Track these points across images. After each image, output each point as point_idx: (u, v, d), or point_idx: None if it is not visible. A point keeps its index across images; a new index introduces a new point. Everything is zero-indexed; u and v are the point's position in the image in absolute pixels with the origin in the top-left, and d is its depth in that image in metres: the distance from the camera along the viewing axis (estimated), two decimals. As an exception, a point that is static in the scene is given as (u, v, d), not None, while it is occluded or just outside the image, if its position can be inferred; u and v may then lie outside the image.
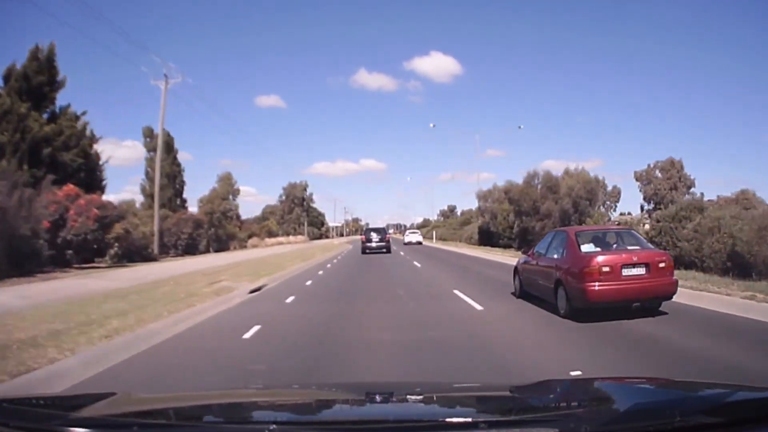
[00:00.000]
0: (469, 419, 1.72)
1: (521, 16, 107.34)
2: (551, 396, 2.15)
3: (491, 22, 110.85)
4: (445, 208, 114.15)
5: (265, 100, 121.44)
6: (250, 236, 57.79)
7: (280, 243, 61.73)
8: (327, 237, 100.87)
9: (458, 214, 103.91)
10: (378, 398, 2.25)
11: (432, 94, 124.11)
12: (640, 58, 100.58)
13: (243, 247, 51.45)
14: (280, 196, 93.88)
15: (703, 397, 1.93)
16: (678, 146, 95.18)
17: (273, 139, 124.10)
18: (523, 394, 2.30)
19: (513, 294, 10.89)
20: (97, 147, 27.17)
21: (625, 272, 7.66)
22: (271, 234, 67.98)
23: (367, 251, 31.41)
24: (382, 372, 5.36)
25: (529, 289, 10.04)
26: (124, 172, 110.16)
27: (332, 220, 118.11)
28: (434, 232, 61.56)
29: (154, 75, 32.05)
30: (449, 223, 75.58)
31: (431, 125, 56.25)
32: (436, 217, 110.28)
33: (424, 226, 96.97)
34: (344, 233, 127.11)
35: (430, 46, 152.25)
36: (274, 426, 1.55)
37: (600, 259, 7.76)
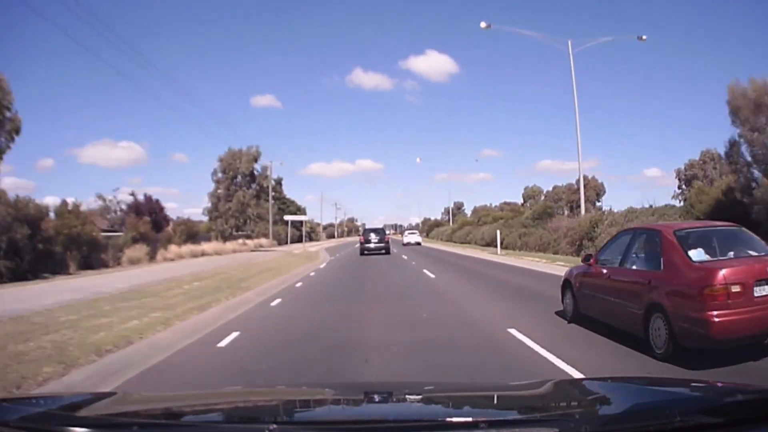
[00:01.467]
0: (469, 419, 1.72)
1: (517, 14, 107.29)
2: (551, 396, 2.15)
3: (486, 19, 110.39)
4: (451, 205, 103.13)
5: (260, 100, 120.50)
6: (136, 240, 28.81)
7: (199, 255, 33.50)
8: (312, 239, 79.34)
9: (466, 212, 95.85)
10: (377, 398, 2.25)
11: (428, 93, 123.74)
12: (639, 55, 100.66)
13: (117, 264, 25.33)
14: (214, 173, 47.12)
15: (703, 397, 1.93)
16: (676, 145, 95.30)
17: (269, 139, 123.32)
18: (523, 393, 2.30)
19: (561, 315, 8.08)
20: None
21: (758, 291, 5.20)
22: (192, 237, 37.50)
23: (366, 252, 30.42)
24: None
25: (590, 312, 7.24)
26: (119, 173, 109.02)
27: (319, 218, 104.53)
28: (498, 234, 31.81)
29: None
30: (502, 215, 50.82)
31: (483, 24, 30.59)
32: (440, 216, 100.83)
33: (437, 225, 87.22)
34: (336, 234, 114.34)
35: (425, 44, 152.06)
36: (274, 426, 1.55)
37: (726, 272, 5.18)
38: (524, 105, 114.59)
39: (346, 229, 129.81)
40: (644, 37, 30.10)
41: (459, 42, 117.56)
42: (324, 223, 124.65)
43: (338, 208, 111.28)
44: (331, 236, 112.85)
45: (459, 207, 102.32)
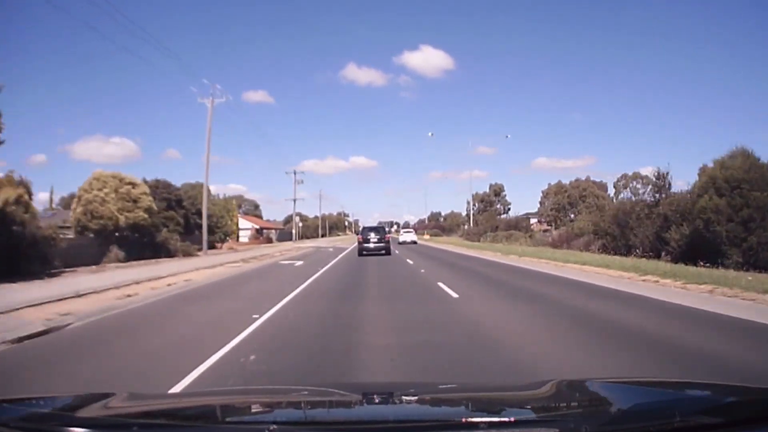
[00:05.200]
0: (469, 419, 1.72)
1: (513, 8, 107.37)
2: (551, 396, 2.15)
3: (482, 14, 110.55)
4: (487, 190, 76.04)
5: (252, 96, 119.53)
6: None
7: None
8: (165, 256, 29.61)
9: (508, 198, 74.33)
10: (378, 398, 2.25)
11: (423, 89, 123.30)
12: (636, 52, 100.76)
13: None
14: None
15: (703, 397, 1.94)
16: (672, 143, 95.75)
17: (261, 135, 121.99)
18: (523, 394, 2.30)
19: None
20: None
21: None
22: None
23: (364, 252, 28.41)
24: None
25: None
26: (109, 169, 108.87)
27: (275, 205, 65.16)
28: None
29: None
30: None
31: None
32: (469, 207, 70.30)
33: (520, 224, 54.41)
34: (296, 234, 71.03)
35: (419, 39, 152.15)
36: (274, 426, 1.55)
37: None
38: (521, 101, 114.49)
39: (331, 223, 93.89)
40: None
41: (454, 37, 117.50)
42: (314, 214, 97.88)
43: (299, 181, 66.44)
44: (285, 239, 72.05)
45: (497, 192, 77.83)
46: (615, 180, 61.43)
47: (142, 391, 3.18)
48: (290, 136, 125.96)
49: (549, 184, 59.20)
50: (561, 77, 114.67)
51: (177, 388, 4.85)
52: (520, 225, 55.07)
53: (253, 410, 2.13)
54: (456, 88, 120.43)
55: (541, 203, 56.98)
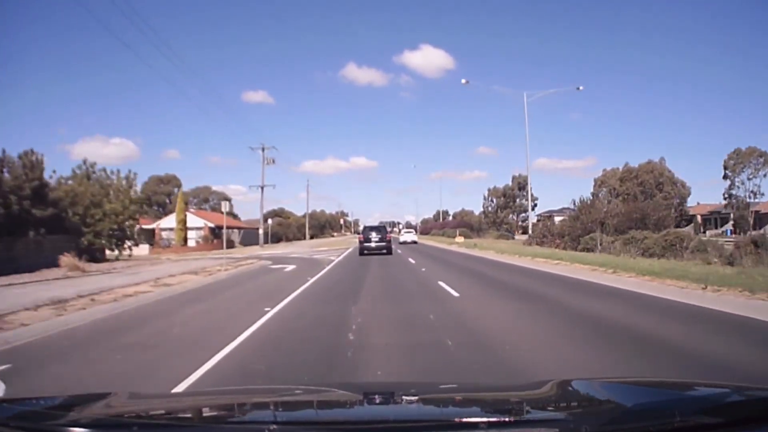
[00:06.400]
0: (469, 419, 1.71)
1: (513, 8, 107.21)
2: (551, 396, 2.15)
3: (482, 14, 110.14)
4: (509, 182, 62.69)
5: (252, 96, 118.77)
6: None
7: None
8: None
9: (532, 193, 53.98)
10: (378, 398, 2.25)
11: (423, 89, 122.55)
12: (636, 52, 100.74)
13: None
14: None
15: (703, 397, 1.93)
16: (671, 143, 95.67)
17: (261, 135, 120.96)
18: (522, 394, 2.30)
19: None
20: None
21: None
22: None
23: (365, 252, 28.69)
24: None
25: None
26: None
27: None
28: None
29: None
30: None
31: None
32: (483, 207, 61.08)
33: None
34: (267, 234, 53.47)
35: (420, 39, 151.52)
36: (274, 426, 1.55)
37: None
38: (521, 101, 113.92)
39: (306, 222, 75.75)
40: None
41: (454, 36, 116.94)
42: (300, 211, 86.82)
43: (269, 161, 49.94)
44: (254, 241, 52.14)
45: (522, 186, 63.09)
46: (726, 157, 45.08)
47: (142, 391, 3.19)
48: (290, 136, 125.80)
49: (604, 169, 45.98)
50: (561, 77, 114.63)
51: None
52: (664, 220, 27.43)
53: (253, 410, 2.13)
54: (457, 88, 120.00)
55: (593, 194, 42.58)
